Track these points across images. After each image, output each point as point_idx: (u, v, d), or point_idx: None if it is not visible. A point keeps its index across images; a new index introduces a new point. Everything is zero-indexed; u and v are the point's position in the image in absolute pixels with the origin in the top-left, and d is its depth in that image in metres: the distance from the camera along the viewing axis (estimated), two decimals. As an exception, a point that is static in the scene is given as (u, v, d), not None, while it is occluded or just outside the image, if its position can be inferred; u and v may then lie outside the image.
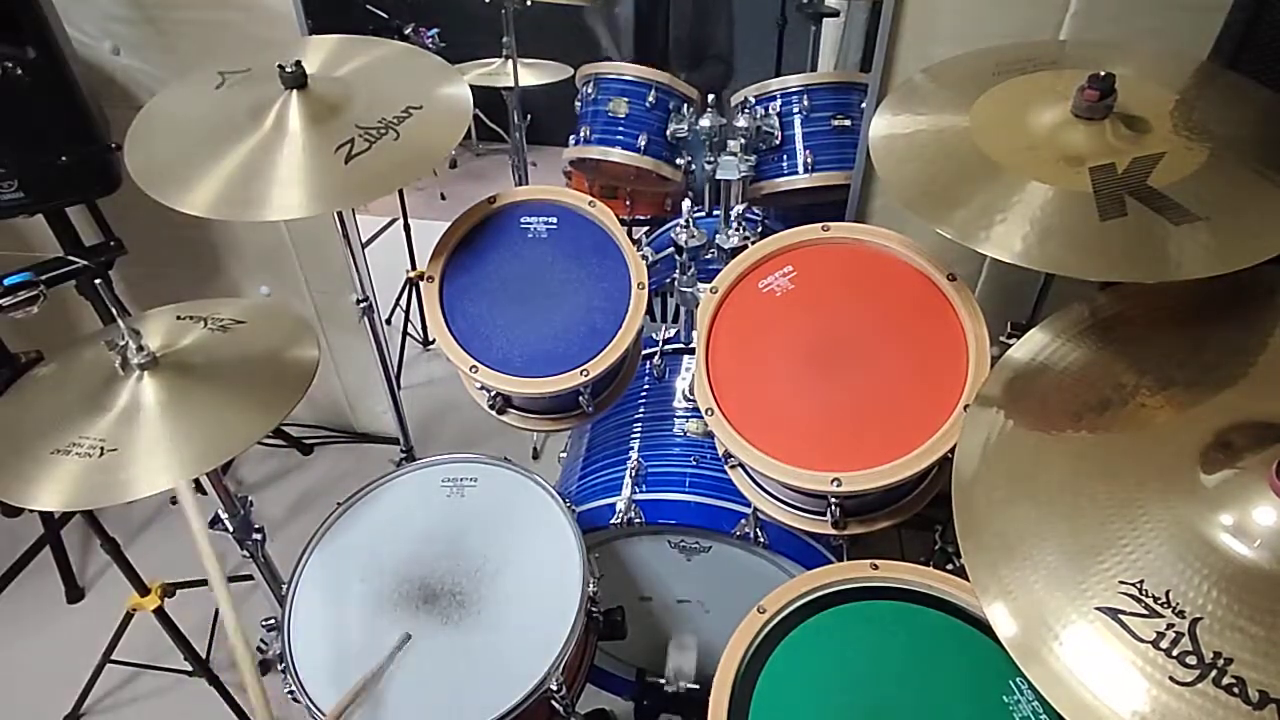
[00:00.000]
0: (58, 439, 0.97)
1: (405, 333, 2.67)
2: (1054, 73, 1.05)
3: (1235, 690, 0.65)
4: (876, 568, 0.98)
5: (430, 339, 2.71)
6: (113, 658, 1.75)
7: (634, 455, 1.43)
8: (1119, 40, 1.27)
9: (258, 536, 1.23)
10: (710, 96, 1.60)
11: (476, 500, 1.25)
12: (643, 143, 1.88)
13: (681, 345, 1.62)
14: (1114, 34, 1.27)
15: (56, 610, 1.99)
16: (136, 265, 1.85)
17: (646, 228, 2.36)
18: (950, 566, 1.30)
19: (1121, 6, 1.26)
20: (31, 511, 1.59)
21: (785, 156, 1.73)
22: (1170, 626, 0.69)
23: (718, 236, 1.45)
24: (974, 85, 1.06)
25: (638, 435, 1.49)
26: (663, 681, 1.42)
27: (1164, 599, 0.70)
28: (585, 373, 1.19)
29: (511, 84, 2.21)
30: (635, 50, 2.29)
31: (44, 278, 1.44)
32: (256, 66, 1.23)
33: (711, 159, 1.56)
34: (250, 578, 1.89)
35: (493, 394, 1.29)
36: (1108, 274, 0.87)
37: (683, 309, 1.54)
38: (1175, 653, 0.68)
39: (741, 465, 1.18)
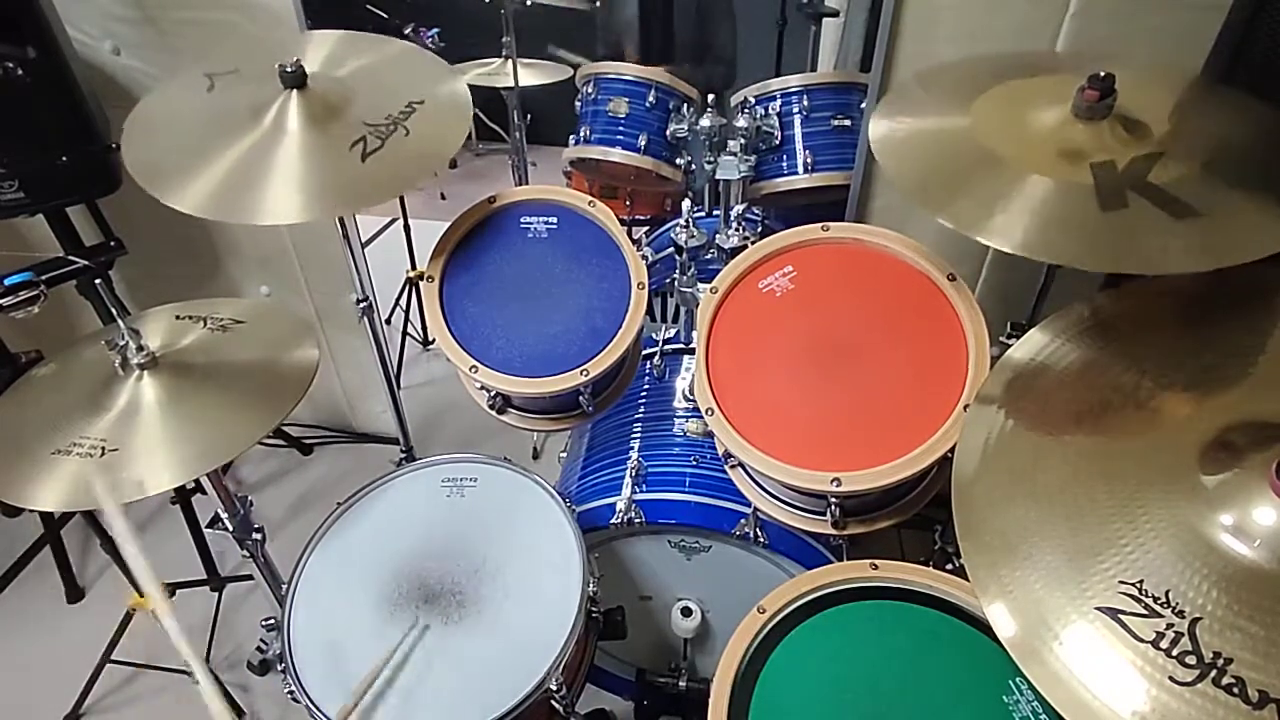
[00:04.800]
0: (58, 439, 0.97)
1: (405, 333, 2.67)
2: (1053, 77, 1.05)
3: (1235, 690, 0.65)
4: (876, 568, 0.98)
5: (430, 339, 2.71)
6: (113, 658, 1.75)
7: (634, 455, 1.43)
8: (1116, 47, 1.27)
9: (258, 536, 1.22)
10: (710, 96, 1.60)
11: (476, 500, 1.25)
12: (643, 143, 1.88)
13: (681, 345, 1.62)
14: (1113, 33, 1.27)
15: (56, 610, 1.99)
16: (136, 265, 1.85)
17: (646, 228, 2.36)
18: (950, 566, 1.30)
19: (1121, 5, 1.26)
20: (31, 511, 1.59)
21: (785, 156, 1.74)
22: (1170, 626, 0.69)
23: (718, 236, 1.45)
24: (972, 87, 1.06)
25: (638, 435, 1.49)
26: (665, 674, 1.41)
27: (1164, 599, 0.70)
28: (585, 373, 1.19)
29: (511, 84, 2.21)
30: (641, 51, 2.29)
31: (44, 278, 1.44)
32: (244, 67, 1.23)
33: (711, 159, 1.56)
34: (250, 578, 1.90)
35: (493, 394, 1.29)
36: (1109, 265, 0.87)
37: (683, 309, 1.54)
38: (1175, 653, 0.68)
39: (741, 465, 1.18)
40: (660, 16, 2.32)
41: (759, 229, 1.54)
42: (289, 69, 1.14)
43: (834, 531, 1.09)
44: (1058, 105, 0.97)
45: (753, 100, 1.74)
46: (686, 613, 1.36)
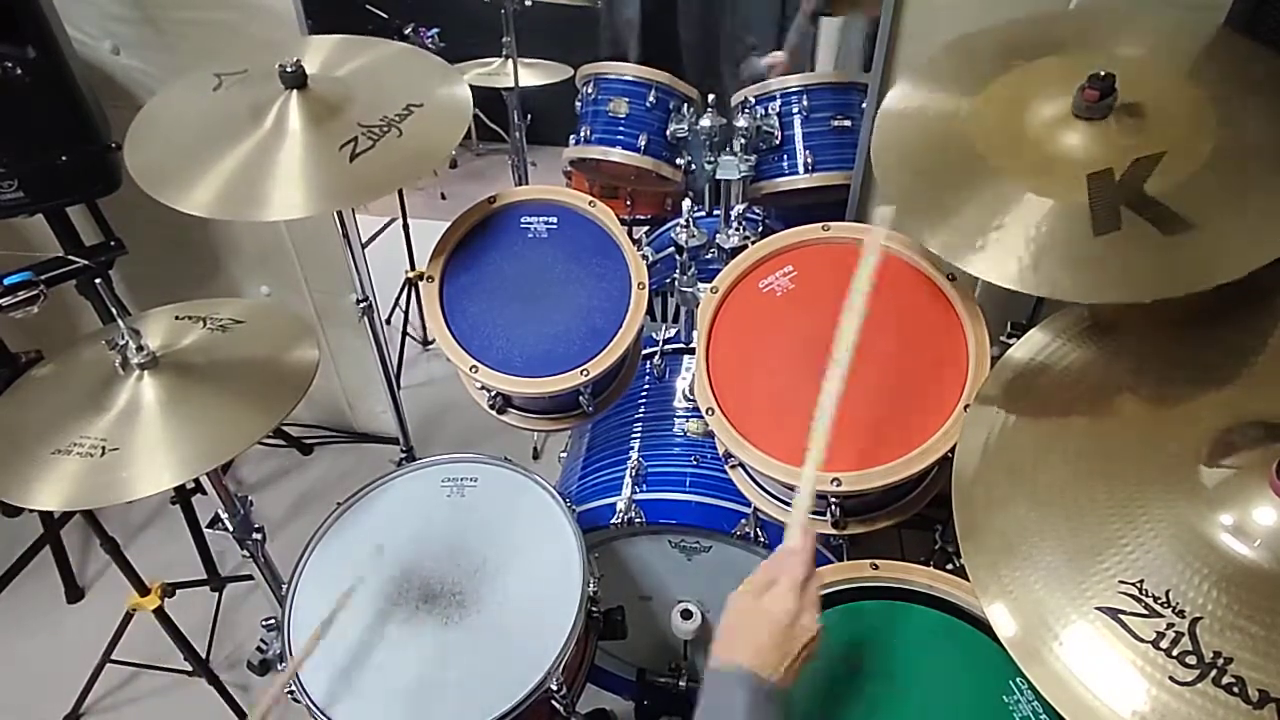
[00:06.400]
0: (58, 439, 0.97)
1: (405, 333, 2.67)
2: (1059, 58, 1.00)
3: (1235, 690, 0.65)
4: (876, 568, 0.98)
5: (430, 339, 2.71)
6: (113, 658, 1.75)
7: (634, 455, 1.43)
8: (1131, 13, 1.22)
9: (258, 536, 1.22)
10: (710, 96, 1.60)
11: (476, 500, 1.25)
12: (643, 143, 1.88)
13: (681, 345, 1.62)
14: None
15: (56, 610, 1.99)
16: (136, 265, 1.85)
17: (646, 227, 2.35)
18: (950, 566, 1.30)
19: (1120, 6, 1.25)
20: (31, 511, 1.60)
21: (785, 156, 1.73)
22: (1170, 626, 0.69)
23: (718, 236, 1.45)
24: (977, 76, 1.03)
25: (638, 435, 1.49)
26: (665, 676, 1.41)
27: (1164, 599, 0.70)
28: (585, 373, 1.19)
29: (511, 84, 2.21)
30: (642, 53, 2.28)
31: (44, 278, 1.44)
32: (253, 67, 1.23)
33: (711, 159, 1.56)
34: (250, 578, 1.90)
35: (493, 394, 1.29)
36: (1102, 296, 0.85)
37: (683, 309, 1.54)
38: (1175, 652, 0.68)
39: (741, 465, 1.18)
40: (663, 16, 2.31)
41: (759, 229, 1.54)
42: (289, 69, 1.15)
43: (834, 531, 1.09)
44: (1059, 101, 0.94)
45: (753, 100, 1.74)
46: (686, 615, 1.36)
